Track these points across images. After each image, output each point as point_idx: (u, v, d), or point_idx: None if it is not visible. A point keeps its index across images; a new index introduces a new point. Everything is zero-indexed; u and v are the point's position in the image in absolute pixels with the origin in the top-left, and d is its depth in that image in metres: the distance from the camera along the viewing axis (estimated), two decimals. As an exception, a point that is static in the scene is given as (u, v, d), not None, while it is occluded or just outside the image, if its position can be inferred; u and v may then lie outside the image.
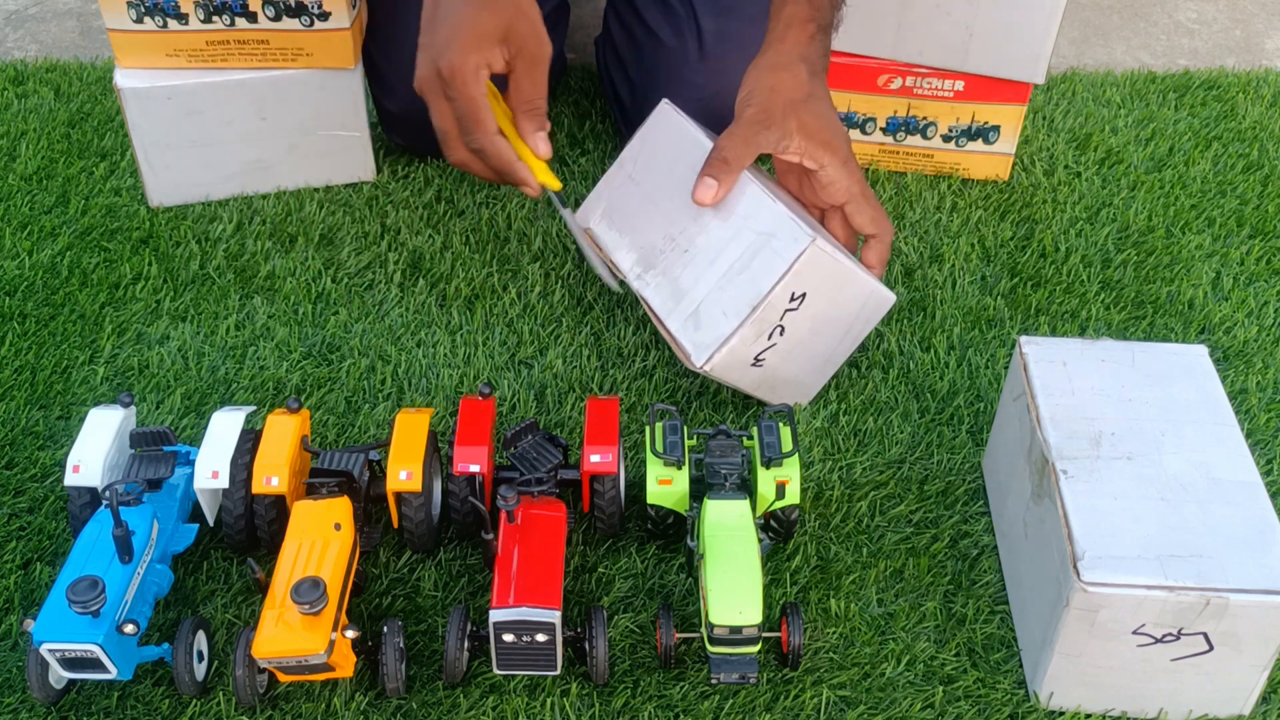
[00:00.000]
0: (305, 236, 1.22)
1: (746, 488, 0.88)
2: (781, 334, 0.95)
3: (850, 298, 0.97)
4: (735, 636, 0.79)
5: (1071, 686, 0.81)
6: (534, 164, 1.02)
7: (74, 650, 0.76)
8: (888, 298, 0.99)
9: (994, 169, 1.31)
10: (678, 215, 1.03)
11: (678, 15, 1.25)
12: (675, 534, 0.92)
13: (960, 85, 1.25)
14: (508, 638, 0.79)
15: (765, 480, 0.88)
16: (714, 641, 0.80)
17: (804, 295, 0.94)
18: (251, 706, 0.81)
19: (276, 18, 1.17)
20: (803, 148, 0.99)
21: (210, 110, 1.21)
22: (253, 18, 1.16)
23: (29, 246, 1.20)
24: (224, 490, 0.88)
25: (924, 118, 1.28)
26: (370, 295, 1.15)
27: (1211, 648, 0.77)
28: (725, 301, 0.95)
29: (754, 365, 0.97)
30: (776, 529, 0.91)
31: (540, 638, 0.79)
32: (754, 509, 0.88)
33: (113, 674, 0.78)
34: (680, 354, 0.98)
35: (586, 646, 0.81)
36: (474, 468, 0.89)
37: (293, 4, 1.16)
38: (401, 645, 0.81)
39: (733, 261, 0.96)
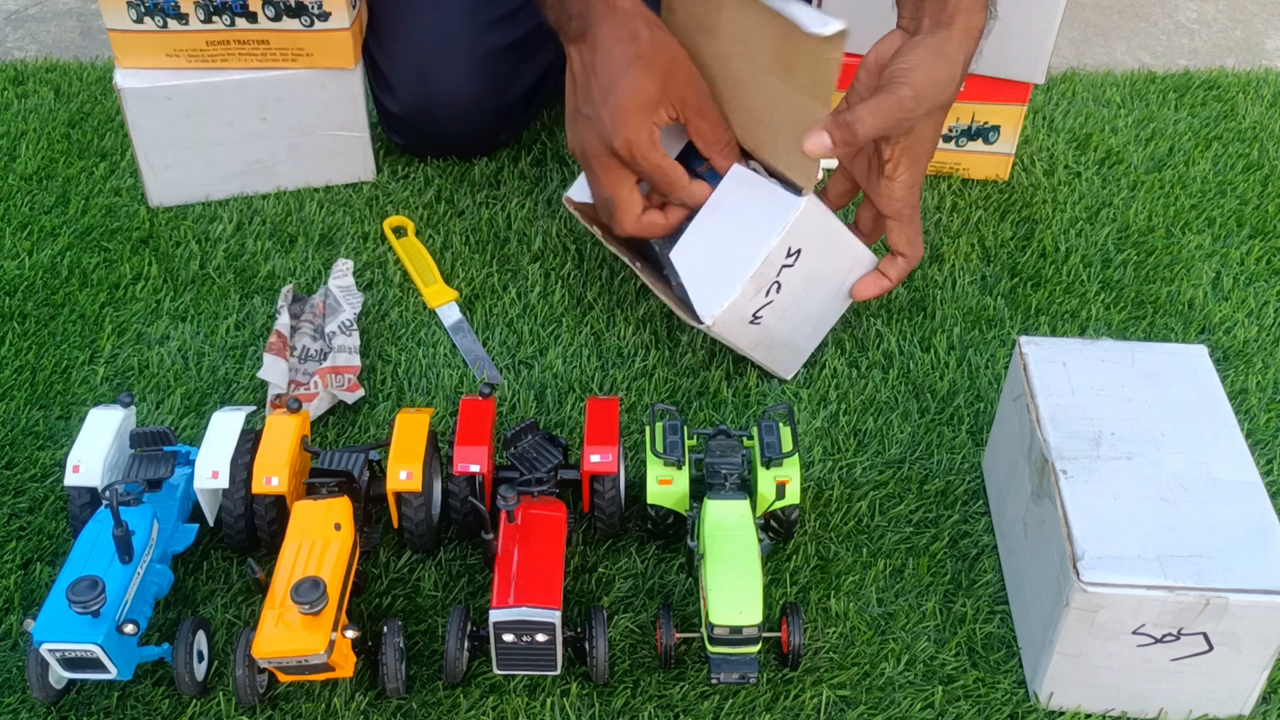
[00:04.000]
0: (305, 236, 1.22)
1: (746, 488, 0.88)
2: (778, 291, 0.98)
3: (839, 256, 1.01)
4: (735, 636, 0.79)
5: (1071, 686, 0.81)
6: None
7: (74, 650, 0.76)
8: (872, 260, 1.04)
9: (994, 169, 1.31)
10: None
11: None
12: (675, 534, 0.92)
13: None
14: (508, 638, 0.79)
15: (765, 480, 0.88)
16: (714, 641, 0.80)
17: (799, 251, 0.97)
18: (251, 706, 0.81)
19: (276, 18, 1.17)
20: (901, 151, 0.96)
21: (210, 110, 1.21)
22: (253, 18, 1.16)
23: (29, 246, 1.20)
24: (224, 490, 0.88)
25: (924, 118, 1.28)
26: (370, 295, 1.15)
27: (1211, 648, 0.77)
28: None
29: (752, 323, 0.99)
30: (776, 529, 0.91)
31: (540, 638, 0.79)
32: (754, 509, 0.88)
33: (113, 674, 0.78)
34: (682, 313, 1.00)
35: (586, 646, 0.81)
36: (474, 468, 0.89)
37: (293, 4, 1.16)
38: (401, 645, 0.81)
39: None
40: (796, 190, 0.97)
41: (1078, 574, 0.75)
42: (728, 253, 0.98)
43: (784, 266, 0.97)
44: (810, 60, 0.91)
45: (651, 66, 0.96)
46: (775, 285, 0.98)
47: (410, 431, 0.89)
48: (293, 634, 0.76)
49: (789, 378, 1.06)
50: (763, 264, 0.96)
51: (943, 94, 0.94)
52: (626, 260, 1.06)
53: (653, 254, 1.09)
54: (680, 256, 1.01)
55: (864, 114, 0.91)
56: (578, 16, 0.98)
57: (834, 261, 1.01)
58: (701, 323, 0.98)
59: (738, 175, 1.00)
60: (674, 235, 1.05)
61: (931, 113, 0.94)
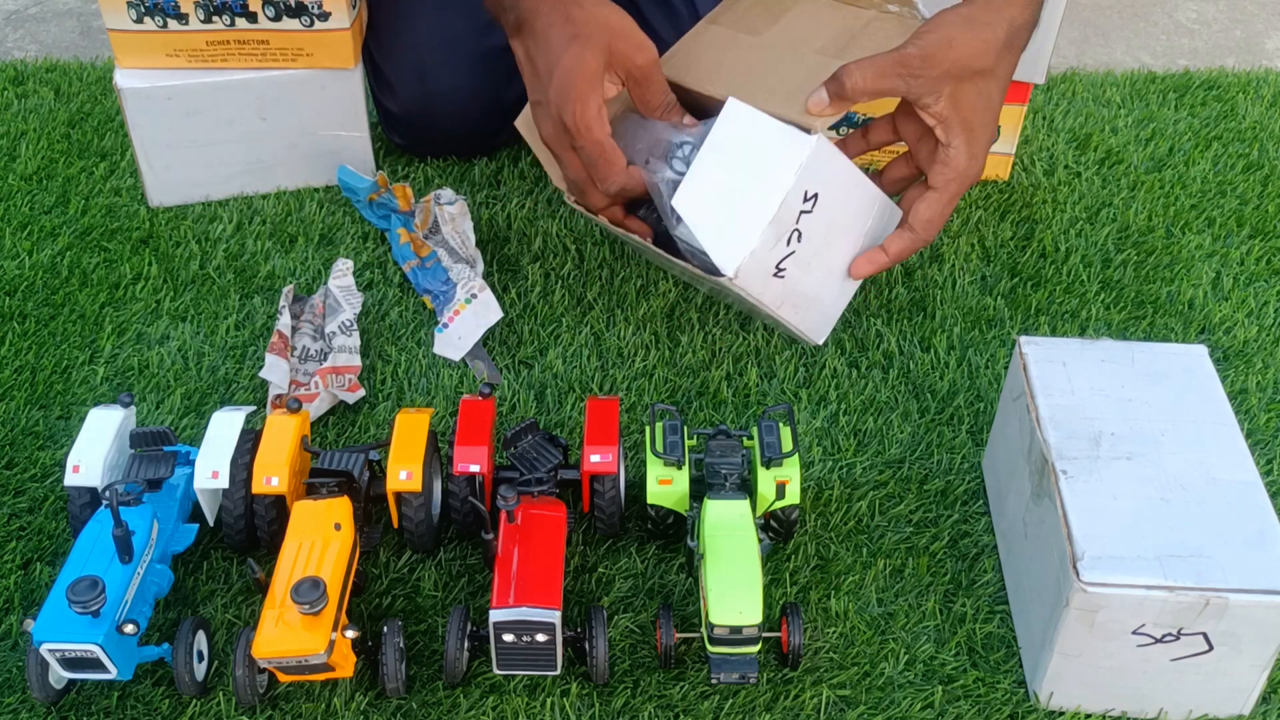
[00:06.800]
0: (305, 236, 1.22)
1: (746, 488, 0.88)
2: (799, 240, 0.95)
3: (858, 201, 0.98)
4: (735, 636, 0.79)
5: (1071, 686, 0.81)
6: None
7: (74, 650, 0.76)
8: (897, 212, 1.01)
9: (994, 169, 1.30)
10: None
11: (680, 15, 1.25)
12: (675, 534, 0.92)
13: (960, 85, 1.25)
14: (508, 638, 0.79)
15: (765, 480, 0.88)
16: (714, 641, 0.80)
17: (816, 196, 0.94)
18: (251, 706, 0.81)
19: (276, 18, 1.17)
20: (944, 116, 0.94)
21: (210, 110, 1.21)
22: (253, 18, 1.16)
23: (29, 246, 1.20)
24: (224, 490, 0.88)
25: (924, 118, 1.28)
26: (370, 295, 1.15)
27: (1211, 648, 0.77)
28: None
29: (776, 275, 0.96)
30: (776, 529, 0.91)
31: (540, 638, 0.79)
32: (754, 509, 0.88)
33: (113, 674, 0.78)
34: (701, 273, 0.98)
35: (586, 646, 0.81)
36: (474, 468, 0.89)
37: (293, 4, 1.16)
38: (401, 645, 0.81)
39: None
40: (805, 131, 0.93)
41: (1078, 574, 0.75)
42: (737, 197, 0.93)
43: (802, 212, 0.93)
44: (881, 32, 0.95)
45: (589, 42, 0.96)
46: (795, 234, 0.94)
47: (410, 431, 0.89)
48: (293, 634, 0.76)
49: (820, 341, 1.04)
50: (780, 208, 0.92)
51: (972, 59, 0.93)
52: (637, 240, 1.04)
53: (661, 232, 1.05)
54: (684, 203, 0.95)
55: (853, 69, 0.93)
56: (511, 7, 1.00)
57: (855, 209, 0.97)
58: (722, 276, 0.94)
59: (735, 110, 0.95)
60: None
61: (961, 77, 0.93)
